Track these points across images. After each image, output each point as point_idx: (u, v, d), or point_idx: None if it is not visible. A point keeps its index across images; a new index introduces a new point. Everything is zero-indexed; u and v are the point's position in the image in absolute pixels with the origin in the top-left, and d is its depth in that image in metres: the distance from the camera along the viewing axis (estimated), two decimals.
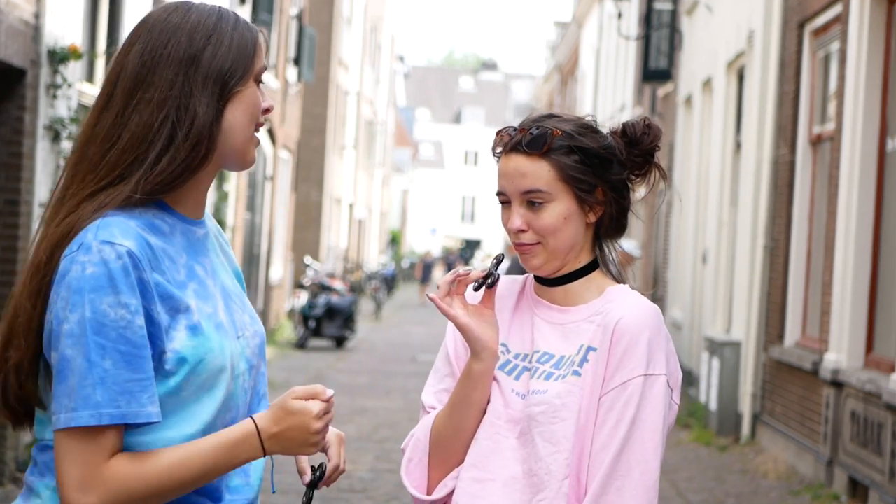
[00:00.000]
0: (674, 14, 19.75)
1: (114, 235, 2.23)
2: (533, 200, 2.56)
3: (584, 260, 2.63)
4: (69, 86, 9.51)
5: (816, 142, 12.02)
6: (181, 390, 2.27)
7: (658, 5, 19.82)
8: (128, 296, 2.20)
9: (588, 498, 2.48)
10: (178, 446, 2.25)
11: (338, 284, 24.07)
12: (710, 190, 16.63)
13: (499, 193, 2.62)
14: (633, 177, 2.65)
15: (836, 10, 11.14)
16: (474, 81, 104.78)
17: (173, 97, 2.30)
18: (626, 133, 2.63)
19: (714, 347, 13.77)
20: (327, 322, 22.63)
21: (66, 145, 9.43)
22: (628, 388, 2.50)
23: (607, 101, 30.63)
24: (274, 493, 2.54)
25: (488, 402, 2.60)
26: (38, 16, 9.41)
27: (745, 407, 13.16)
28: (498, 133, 2.63)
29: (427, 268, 48.36)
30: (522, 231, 2.58)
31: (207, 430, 2.30)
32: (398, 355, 21.96)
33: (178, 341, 2.26)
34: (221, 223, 16.98)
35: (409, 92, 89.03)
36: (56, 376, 2.22)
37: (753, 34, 13.87)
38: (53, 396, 2.22)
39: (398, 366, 19.95)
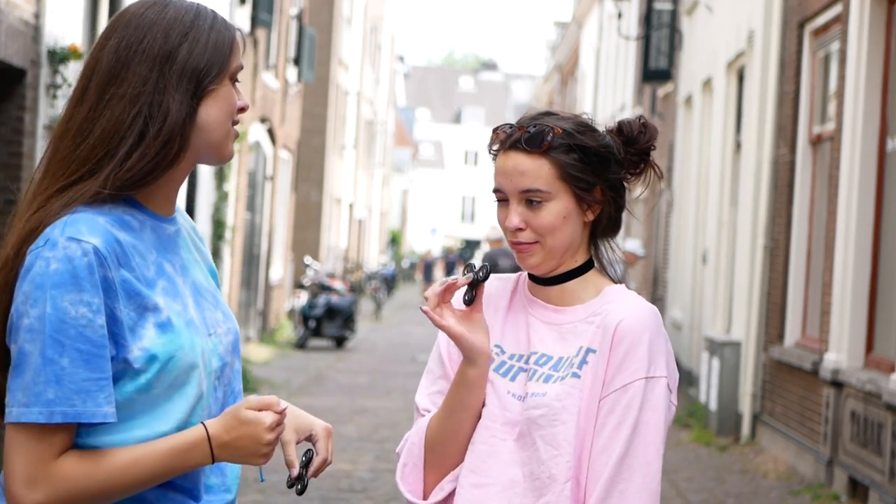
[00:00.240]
0: (674, 14, 19.75)
1: (80, 232, 2.22)
2: (532, 199, 2.54)
3: (581, 259, 2.61)
4: (69, 86, 9.51)
5: (816, 142, 12.02)
6: (152, 388, 2.26)
7: (658, 5, 19.82)
8: (90, 294, 2.19)
9: (593, 500, 2.47)
10: (130, 447, 2.24)
11: (338, 284, 24.08)
12: (710, 190, 16.63)
13: (496, 191, 2.59)
14: (630, 176, 2.63)
15: (836, 10, 11.14)
16: (474, 81, 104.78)
17: (146, 93, 2.29)
18: (623, 132, 2.61)
19: (714, 347, 13.77)
20: (327, 322, 22.64)
21: None
22: (629, 390, 2.49)
23: (607, 101, 30.62)
24: (263, 481, 2.53)
25: (483, 405, 2.59)
26: (38, 16, 9.41)
27: (745, 407, 13.16)
28: (495, 130, 2.60)
29: (428, 267, 48.52)
30: (520, 230, 2.55)
31: (181, 428, 2.29)
32: (398, 355, 21.96)
33: (148, 339, 2.25)
34: (221, 223, 16.97)
35: (409, 92, 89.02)
36: (13, 370, 2.21)
37: (753, 34, 13.87)
38: (8, 389, 2.22)
39: (398, 366, 19.96)
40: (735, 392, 13.40)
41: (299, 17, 23.26)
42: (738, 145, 15.26)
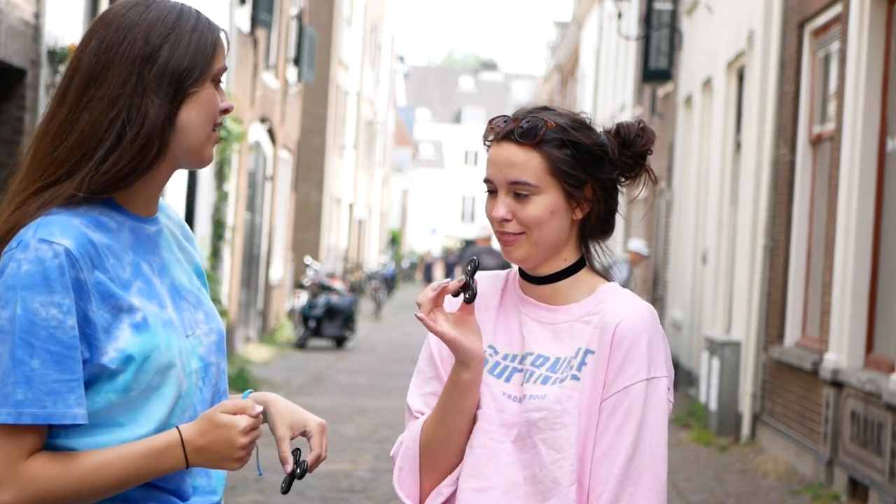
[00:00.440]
0: (674, 14, 19.75)
1: (52, 234, 2.21)
2: (520, 192, 2.51)
3: (571, 259, 2.58)
4: None
5: (816, 142, 12.02)
6: (130, 389, 2.25)
7: (658, 5, 19.82)
8: (61, 295, 2.18)
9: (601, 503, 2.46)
10: (102, 450, 2.24)
11: (338, 284, 24.07)
12: (710, 190, 16.63)
13: (486, 181, 2.56)
14: (624, 178, 2.60)
15: (836, 10, 11.14)
16: (474, 81, 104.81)
17: (125, 95, 2.27)
18: (620, 133, 2.58)
19: (714, 347, 13.77)
20: (327, 322, 22.63)
21: None
22: (631, 392, 2.47)
23: (607, 101, 30.63)
24: (261, 476, 2.52)
25: (478, 407, 2.56)
26: (38, 16, 9.41)
27: (745, 407, 13.16)
28: (490, 122, 2.58)
29: (428, 268, 48.63)
30: (506, 220, 2.52)
31: (162, 429, 2.28)
32: (398, 355, 21.96)
33: (123, 339, 2.24)
34: (221, 223, 16.96)
35: (409, 92, 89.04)
36: None
37: (753, 34, 13.88)
38: None
39: (398, 366, 19.95)
40: (735, 392, 13.40)
41: (299, 17, 23.26)
42: (738, 145, 15.26)
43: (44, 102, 9.31)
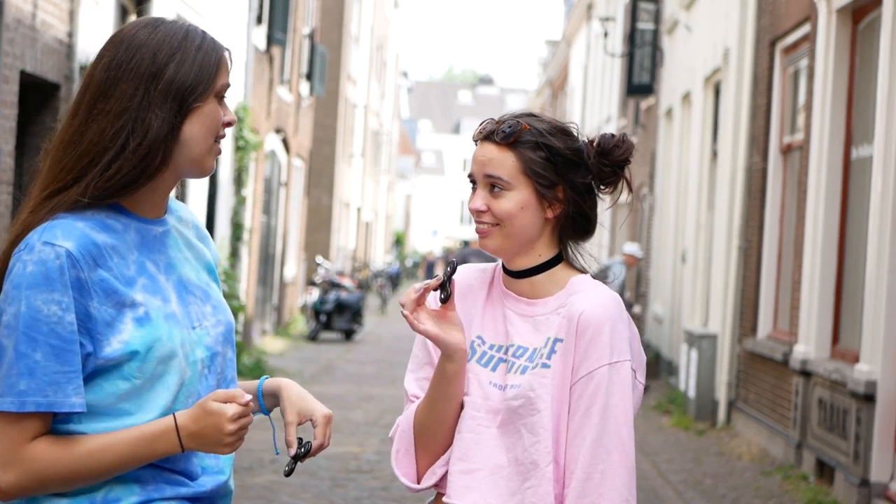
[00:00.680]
0: (655, 33, 19.73)
1: (55, 237, 2.22)
2: (495, 185, 2.53)
3: (545, 255, 2.57)
4: None
5: (787, 151, 12.01)
6: (136, 378, 2.26)
7: (641, 25, 19.80)
8: (61, 293, 2.20)
9: (573, 484, 2.46)
10: (102, 434, 2.24)
11: (346, 282, 24.05)
12: (689, 195, 16.62)
13: (469, 176, 2.59)
14: (603, 186, 2.58)
15: (805, 29, 11.13)
16: (472, 95, 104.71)
17: (132, 109, 2.27)
18: (599, 143, 2.57)
19: (692, 339, 13.77)
20: (337, 316, 22.61)
21: None
22: (595, 377, 2.46)
23: (594, 114, 30.60)
24: (277, 454, 2.51)
25: (467, 394, 2.57)
26: (71, 35, 9.41)
27: (721, 394, 13.15)
28: (480, 124, 2.60)
29: (430, 267, 48.60)
30: (482, 212, 2.54)
31: (165, 415, 2.28)
32: (402, 347, 21.94)
33: (127, 333, 2.25)
34: (239, 226, 16.95)
35: (412, 105, 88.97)
36: None
37: (729, 52, 13.87)
38: None
39: (402, 356, 19.92)
40: (712, 381, 13.39)
41: (311, 36, 23.24)
42: (714, 154, 15.25)
43: None
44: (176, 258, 2.40)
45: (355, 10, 33.75)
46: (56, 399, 2.20)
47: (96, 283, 2.24)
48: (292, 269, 24.62)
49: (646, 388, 17.33)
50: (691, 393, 13.64)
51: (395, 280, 44.02)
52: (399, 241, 62.81)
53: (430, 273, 48.21)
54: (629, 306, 16.70)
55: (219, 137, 2.37)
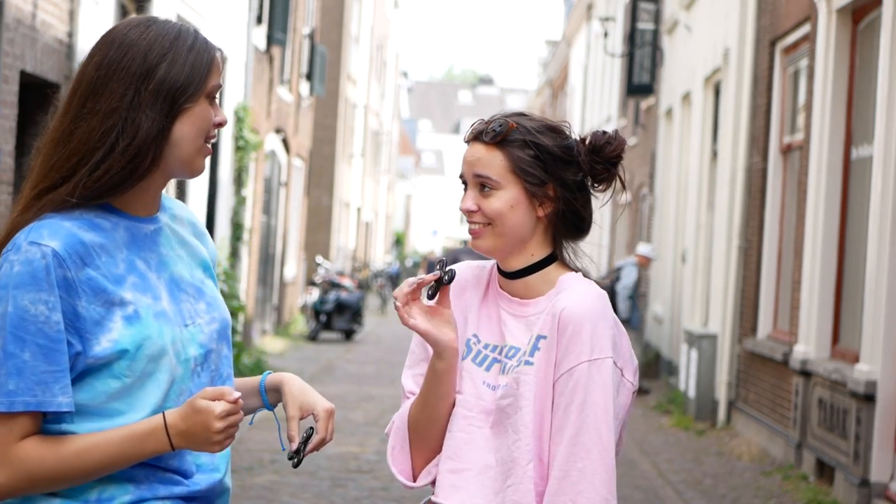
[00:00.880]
0: (655, 33, 19.73)
1: (41, 236, 2.21)
2: (484, 185, 2.51)
3: (538, 254, 2.55)
4: None
5: (787, 151, 12.01)
6: (124, 377, 2.25)
7: (641, 25, 19.80)
8: (47, 293, 2.19)
9: (551, 481, 2.43)
10: (91, 434, 2.24)
11: (346, 282, 24.05)
12: (689, 195, 16.62)
13: (461, 177, 2.57)
14: (596, 183, 2.57)
15: (805, 29, 11.13)
16: (472, 95, 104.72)
17: (122, 109, 2.26)
18: (591, 140, 2.56)
19: (692, 339, 13.77)
20: (337, 316, 22.61)
21: None
22: (574, 374, 2.44)
23: (594, 114, 30.60)
24: (284, 450, 2.49)
25: (460, 392, 2.56)
26: (71, 35, 9.41)
27: (721, 394, 13.15)
28: (471, 125, 2.59)
29: (430, 266, 48.57)
30: (473, 212, 2.53)
31: (156, 413, 2.27)
32: (402, 347, 21.92)
33: (116, 331, 2.24)
34: (239, 225, 16.94)
35: (412, 105, 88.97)
36: None
37: (729, 52, 13.86)
38: None
39: (402, 356, 19.90)
40: (712, 381, 13.39)
41: (311, 36, 23.24)
42: (714, 154, 15.25)
43: None
44: (168, 256, 2.39)
45: (355, 10, 33.75)
46: (44, 398, 2.19)
47: (84, 282, 2.23)
48: (292, 269, 24.62)
49: (646, 389, 17.23)
50: (691, 393, 13.63)
51: (395, 280, 43.97)
52: (399, 241, 62.80)
53: (429, 272, 48.28)
54: (636, 308, 16.57)
55: (209, 138, 2.35)
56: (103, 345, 2.23)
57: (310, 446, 2.43)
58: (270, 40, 18.47)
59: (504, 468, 2.49)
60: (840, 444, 9.08)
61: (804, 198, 10.67)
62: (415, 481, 2.60)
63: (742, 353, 12.84)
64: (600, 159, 2.55)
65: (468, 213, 2.54)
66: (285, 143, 21.93)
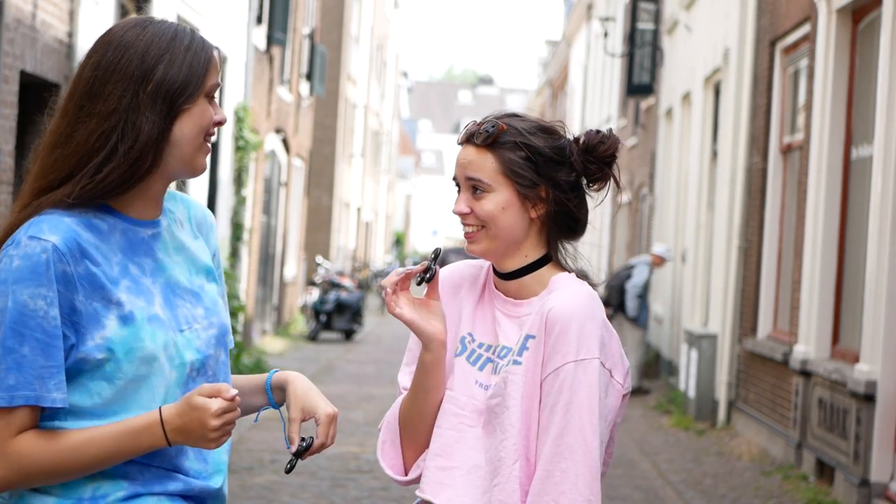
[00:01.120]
0: (655, 33, 19.74)
1: (41, 231, 2.21)
2: (476, 187, 2.51)
3: (532, 255, 2.54)
4: None
5: (787, 151, 12.01)
6: (117, 378, 2.25)
7: (641, 25, 19.80)
8: (46, 288, 2.19)
9: (535, 481, 2.43)
10: (87, 429, 2.24)
11: (346, 282, 24.05)
12: (689, 195, 16.62)
13: (454, 179, 2.57)
14: (591, 183, 2.55)
15: (805, 29, 11.13)
16: (472, 95, 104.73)
17: (120, 111, 2.25)
18: (584, 140, 2.55)
19: (692, 339, 13.77)
20: (337, 316, 22.61)
21: None
22: (560, 374, 2.43)
23: (594, 114, 30.61)
24: (288, 448, 2.47)
25: (451, 389, 2.55)
26: (71, 35, 9.41)
27: (721, 394, 13.15)
28: (465, 126, 2.58)
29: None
30: (466, 214, 2.52)
31: None
32: (402, 347, 21.81)
33: (110, 329, 2.24)
34: (239, 225, 16.94)
35: (412, 105, 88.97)
36: None
37: (729, 52, 13.86)
38: None
39: (402, 356, 19.84)
40: (712, 381, 13.39)
41: (311, 36, 23.24)
42: (714, 154, 15.25)
43: None
44: (165, 261, 2.38)
45: (355, 10, 33.75)
46: (42, 393, 2.20)
47: (83, 277, 2.23)
48: (292, 269, 24.62)
49: (646, 389, 17.22)
50: (691, 393, 13.63)
51: None
52: (399, 241, 62.81)
53: None
54: (645, 307, 16.46)
55: (208, 136, 2.35)
56: (96, 341, 2.23)
57: (308, 452, 2.43)
58: (270, 40, 18.47)
59: (492, 468, 2.48)
60: (840, 444, 9.09)
61: (804, 198, 10.67)
62: (406, 475, 2.60)
63: (742, 353, 12.84)
64: (594, 159, 2.54)
65: (461, 216, 2.53)
66: (285, 143, 21.93)
